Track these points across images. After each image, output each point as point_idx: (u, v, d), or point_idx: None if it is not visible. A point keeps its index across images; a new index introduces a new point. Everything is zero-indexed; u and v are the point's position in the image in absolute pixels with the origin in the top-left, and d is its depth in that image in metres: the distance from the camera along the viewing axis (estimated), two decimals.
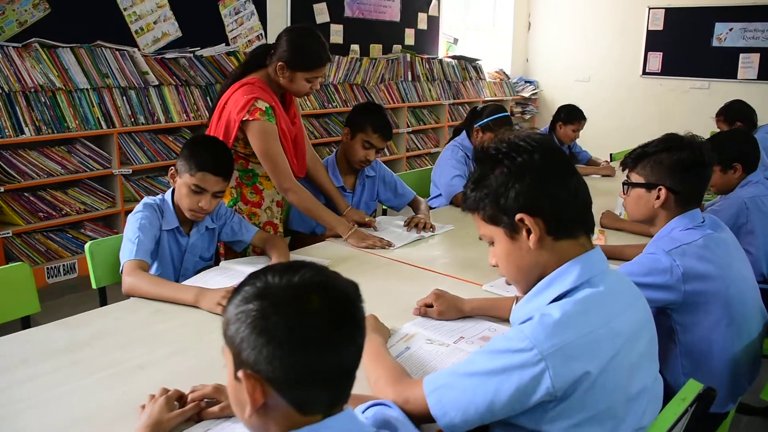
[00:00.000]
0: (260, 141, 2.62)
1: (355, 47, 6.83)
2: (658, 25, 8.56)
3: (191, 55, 5.32)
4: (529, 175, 1.32)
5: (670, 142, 2.06)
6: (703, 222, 2.04)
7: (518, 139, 1.37)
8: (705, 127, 7.60)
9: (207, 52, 5.44)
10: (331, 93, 6.47)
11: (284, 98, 2.81)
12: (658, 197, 2.04)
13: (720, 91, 8.17)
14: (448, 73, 7.87)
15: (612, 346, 1.28)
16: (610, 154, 5.27)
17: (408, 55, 7.28)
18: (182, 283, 2.28)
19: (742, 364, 2.01)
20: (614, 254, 2.59)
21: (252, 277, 1.01)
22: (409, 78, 7.35)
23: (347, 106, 6.53)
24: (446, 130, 7.78)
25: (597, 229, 2.89)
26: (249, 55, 2.84)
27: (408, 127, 7.23)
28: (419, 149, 7.48)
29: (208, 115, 5.38)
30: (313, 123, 6.29)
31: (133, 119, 4.84)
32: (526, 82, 9.35)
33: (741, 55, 8.09)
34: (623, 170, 2.17)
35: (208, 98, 5.42)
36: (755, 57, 8.02)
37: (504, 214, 1.35)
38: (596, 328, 1.27)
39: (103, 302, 2.43)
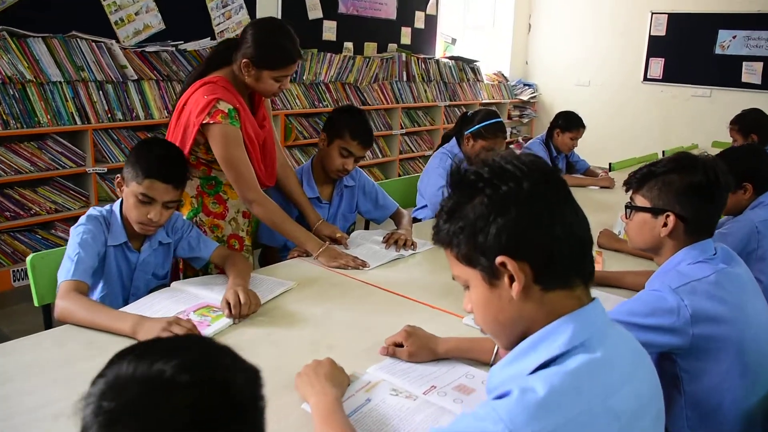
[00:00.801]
0: (221, 147, 2.34)
1: (349, 45, 6.55)
2: (661, 31, 8.29)
3: (174, 48, 5.04)
4: (515, 207, 1.04)
5: (681, 162, 1.79)
6: (715, 254, 1.77)
7: (504, 161, 1.08)
8: (707, 136, 7.36)
9: (191, 46, 5.16)
10: (321, 92, 6.19)
11: (252, 98, 2.53)
12: (665, 224, 1.77)
13: (722, 99, 7.91)
14: (444, 73, 7.59)
15: (608, 430, 1.00)
16: (610, 164, 5.00)
17: (403, 55, 7.01)
18: (129, 305, 2.01)
19: (757, 419, 1.73)
20: (612, 281, 2.32)
21: (114, 359, 0.74)
22: (404, 78, 7.07)
23: (338, 106, 6.24)
24: (441, 133, 7.49)
25: (594, 250, 2.61)
26: (212, 51, 2.57)
27: (402, 128, 6.95)
28: (413, 151, 7.20)
29: None
30: (302, 122, 6.02)
31: (110, 115, 4.56)
32: (525, 85, 9.07)
33: (744, 63, 7.84)
34: (626, 191, 1.90)
35: None
36: (758, 65, 7.76)
37: (482, 255, 1.07)
38: (590, 407, 0.99)
39: (48, 323, 2.17)
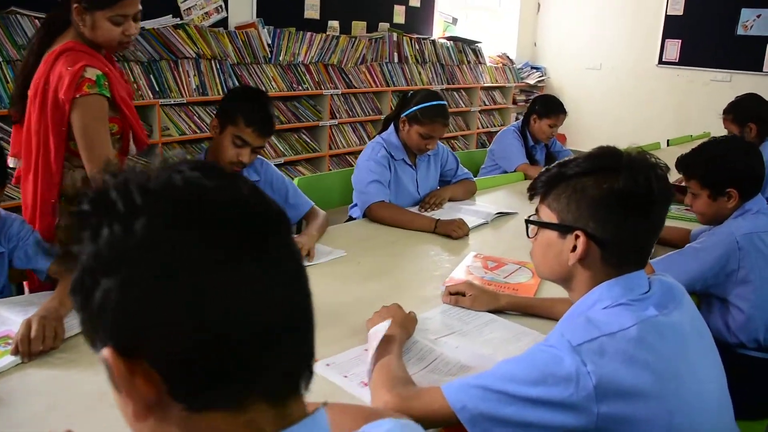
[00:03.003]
0: (81, 117, 1.93)
1: (334, 24, 6.04)
2: (678, 10, 7.61)
3: None
4: (124, 266, 0.56)
5: (600, 161, 1.27)
6: (647, 293, 1.25)
7: (120, 180, 0.60)
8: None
9: (150, 24, 4.69)
10: (301, 73, 5.69)
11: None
12: (574, 247, 1.26)
13: (743, 85, 7.21)
14: (441, 55, 7.03)
15: None
16: None
17: (395, 35, 6.46)
18: None
19: None
20: (539, 310, 1.81)
21: None
22: (395, 59, 6.53)
23: (320, 89, 5.76)
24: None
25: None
26: (48, 14, 2.11)
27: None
28: None
29: (150, 95, 4.70)
30: (279, 107, 5.53)
31: None
32: (532, 68, 8.46)
33: None
34: (529, 198, 1.38)
35: (151, 76, 4.69)
36: None
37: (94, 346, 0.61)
38: None
39: None
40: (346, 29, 6.16)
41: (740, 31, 7.28)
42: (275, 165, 5.49)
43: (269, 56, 5.45)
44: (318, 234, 2.38)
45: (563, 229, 1.28)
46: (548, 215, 1.31)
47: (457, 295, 1.85)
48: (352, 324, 1.70)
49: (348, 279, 2.06)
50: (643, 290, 1.25)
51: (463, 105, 7.29)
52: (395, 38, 6.46)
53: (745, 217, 2.04)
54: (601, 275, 1.27)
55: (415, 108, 2.70)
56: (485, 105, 7.61)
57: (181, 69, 4.88)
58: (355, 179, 2.76)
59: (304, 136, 5.76)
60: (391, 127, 2.85)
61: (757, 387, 2.05)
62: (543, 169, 1.34)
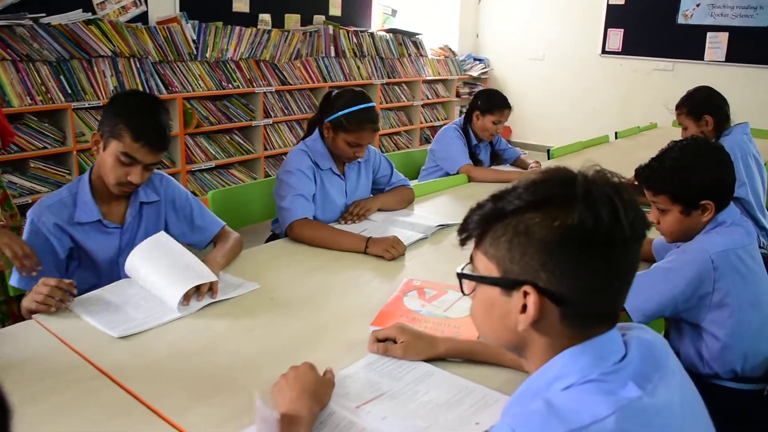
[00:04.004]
0: None
1: (266, 17, 5.62)
2: None
3: (33, 23, 4.09)
4: None
5: (547, 189, 0.93)
6: (622, 359, 0.93)
7: None
8: (671, 115, 6.48)
9: (57, 19, 4.21)
10: (230, 71, 5.26)
11: None
12: (524, 308, 0.92)
13: (685, 74, 7.09)
14: (381, 48, 6.66)
15: None
16: (548, 151, 4.13)
17: (331, 28, 6.07)
18: None
19: None
20: (487, 357, 1.46)
21: None
22: (332, 54, 6.14)
23: (252, 86, 5.34)
24: (378, 113, 6.59)
25: None
26: None
27: None
28: None
29: (62, 98, 4.22)
30: (207, 107, 5.10)
31: None
32: (475, 59, 8.17)
33: (708, 34, 7.00)
34: (461, 244, 1.03)
35: (61, 77, 4.22)
36: (723, 36, 6.93)
37: None
38: None
39: None
40: (278, 23, 5.75)
41: (681, 20, 7.13)
42: (205, 170, 5.13)
43: (195, 53, 5.01)
44: (226, 260, 2.00)
45: (507, 284, 0.93)
46: (486, 266, 0.96)
47: (386, 342, 1.50)
48: (258, 386, 1.34)
49: (257, 321, 1.69)
50: (617, 356, 0.93)
51: (405, 99, 6.95)
52: (331, 31, 6.07)
53: (719, 231, 1.74)
54: (563, 340, 0.93)
55: (339, 113, 2.34)
56: (428, 99, 7.29)
57: (96, 69, 4.42)
58: (275, 193, 2.38)
59: (236, 138, 5.33)
60: (316, 132, 2.48)
61: (734, 420, 1.76)
62: (474, 205, 0.99)
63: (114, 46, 4.47)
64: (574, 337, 0.93)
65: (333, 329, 1.66)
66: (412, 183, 3.49)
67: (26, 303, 1.67)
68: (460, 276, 1.00)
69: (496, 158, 3.62)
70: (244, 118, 5.32)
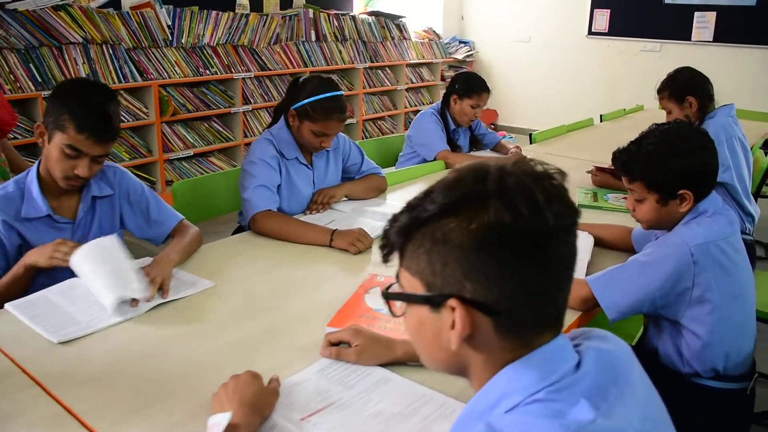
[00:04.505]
0: None
1: (244, 1, 5.46)
2: None
3: None
4: None
5: (460, 190, 0.81)
6: (576, 370, 0.81)
7: None
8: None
9: (24, 5, 4.05)
10: (207, 56, 5.11)
11: None
12: (454, 324, 0.81)
13: (673, 55, 6.96)
14: (363, 32, 6.51)
15: None
16: (530, 135, 4.00)
17: (311, 11, 5.91)
18: None
19: None
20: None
21: None
22: (313, 38, 5.99)
23: (230, 72, 5.20)
24: (362, 98, 6.46)
25: None
26: None
27: None
28: None
29: (32, 86, 4.07)
30: (184, 93, 4.96)
31: None
32: (460, 42, 8.01)
33: (696, 14, 6.87)
34: (383, 260, 0.90)
35: (30, 65, 4.07)
36: (711, 16, 6.79)
37: None
38: None
39: None
40: (256, 6, 5.60)
41: None
42: (183, 158, 4.99)
43: (170, 39, 4.86)
44: (181, 257, 1.87)
45: (431, 300, 0.82)
46: (410, 282, 0.85)
47: (340, 346, 1.39)
48: (199, 397, 1.23)
49: (208, 323, 1.58)
50: (567, 367, 0.81)
51: (388, 83, 6.81)
52: (312, 15, 5.92)
53: (699, 222, 1.62)
54: (503, 355, 0.82)
55: (305, 101, 2.21)
56: (412, 83, 7.15)
57: (66, 56, 4.27)
58: (240, 184, 2.26)
59: (215, 125, 5.20)
60: (282, 120, 2.35)
61: (716, 420, 1.67)
62: (395, 213, 0.87)
63: (85, 32, 4.32)
64: (515, 350, 0.82)
65: (287, 331, 1.55)
66: (390, 170, 3.39)
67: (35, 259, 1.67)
68: (385, 295, 0.89)
69: (476, 143, 3.49)
70: (223, 104, 5.18)
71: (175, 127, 4.94)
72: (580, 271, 1.84)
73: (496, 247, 0.77)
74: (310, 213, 2.34)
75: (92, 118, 1.73)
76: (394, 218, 0.86)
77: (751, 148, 3.05)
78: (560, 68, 7.69)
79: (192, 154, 4.98)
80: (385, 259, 0.87)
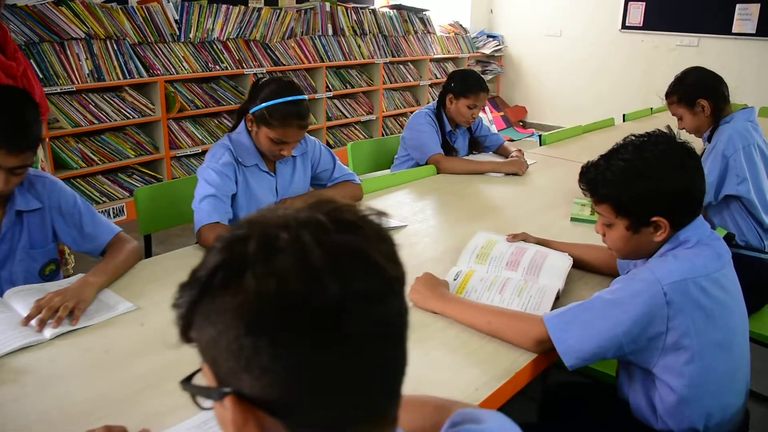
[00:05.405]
0: None
1: None
2: None
3: None
4: None
5: (225, 249, 0.60)
6: None
7: None
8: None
9: (24, 0, 3.93)
10: (217, 51, 4.94)
11: None
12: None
13: (711, 49, 6.53)
14: (384, 25, 6.26)
15: None
16: (540, 136, 3.70)
17: (328, 5, 5.69)
18: None
19: None
20: None
21: None
22: (330, 32, 5.77)
23: (241, 68, 5.02)
24: (381, 93, 6.22)
25: None
26: None
27: (328, 90, 5.69)
28: (347, 117, 5.95)
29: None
30: (193, 90, 4.80)
31: None
32: (488, 36, 7.69)
33: (738, 6, 6.39)
34: (185, 342, 0.67)
35: (31, 61, 3.94)
36: (755, 8, 6.31)
37: None
38: None
39: None
40: (271, 0, 5.39)
41: None
42: (191, 155, 4.83)
43: (177, 34, 4.70)
44: (108, 278, 1.68)
45: (211, 395, 0.60)
46: (205, 369, 0.62)
47: None
48: None
49: (108, 356, 1.39)
50: None
51: (411, 79, 6.56)
52: (328, 8, 5.70)
53: (677, 255, 1.35)
54: None
55: (262, 105, 2.00)
56: (436, 78, 6.87)
57: (69, 52, 4.14)
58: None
59: (225, 121, 5.03)
60: (243, 123, 2.14)
61: None
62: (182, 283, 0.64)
63: (88, 27, 4.19)
64: None
65: (188, 369, 1.33)
66: (383, 173, 3.15)
67: None
68: (183, 385, 0.66)
69: (477, 146, 3.22)
70: (233, 101, 5.00)
71: (183, 123, 4.79)
72: (547, 301, 1.58)
73: (266, 329, 0.55)
74: None
75: (2, 127, 1.55)
76: (181, 286, 0.64)
77: None
78: (592, 64, 7.30)
79: (200, 150, 4.83)
80: (183, 338, 0.65)
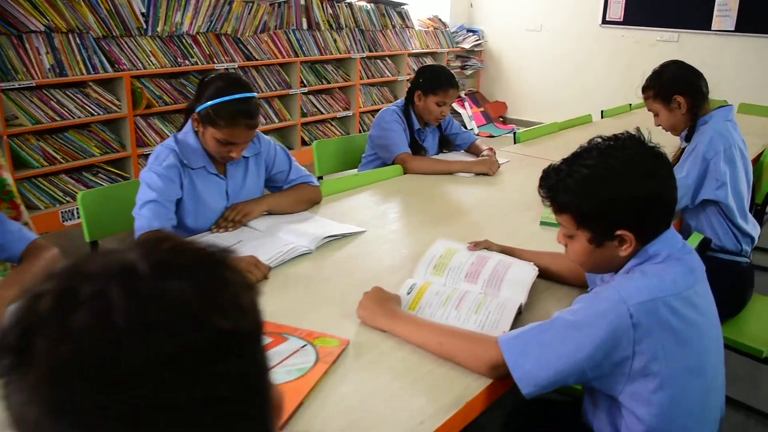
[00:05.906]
0: None
1: None
2: None
3: None
4: None
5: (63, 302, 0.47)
6: None
7: None
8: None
9: None
10: (187, 46, 4.76)
11: None
12: None
13: (691, 45, 6.44)
14: (361, 20, 6.10)
15: None
16: (514, 134, 3.56)
17: None
18: None
19: None
20: None
21: None
22: (304, 26, 5.60)
23: (211, 62, 4.85)
24: (358, 89, 6.07)
25: None
26: None
27: (303, 86, 5.53)
28: (322, 113, 5.79)
29: None
30: (161, 85, 4.63)
31: None
32: (468, 31, 7.55)
33: (717, 2, 6.28)
34: None
35: None
36: (733, 3, 6.21)
37: None
38: None
39: None
40: None
41: None
42: None
43: (144, 27, 4.51)
44: (21, 291, 1.52)
45: None
46: None
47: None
48: None
49: None
50: None
51: (388, 74, 6.40)
52: (303, 2, 5.53)
53: (644, 271, 1.21)
54: None
55: (207, 104, 1.85)
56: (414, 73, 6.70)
57: (28, 46, 3.95)
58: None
59: None
60: (189, 123, 1.98)
61: None
62: None
63: (48, 20, 4.00)
64: None
65: None
66: (351, 172, 3.00)
67: None
68: None
69: (447, 144, 3.08)
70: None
71: (151, 120, 4.62)
72: (507, 318, 1.44)
73: (62, 405, 0.43)
74: (218, 231, 1.97)
75: None
76: None
77: None
78: (573, 59, 7.18)
79: None
80: None
